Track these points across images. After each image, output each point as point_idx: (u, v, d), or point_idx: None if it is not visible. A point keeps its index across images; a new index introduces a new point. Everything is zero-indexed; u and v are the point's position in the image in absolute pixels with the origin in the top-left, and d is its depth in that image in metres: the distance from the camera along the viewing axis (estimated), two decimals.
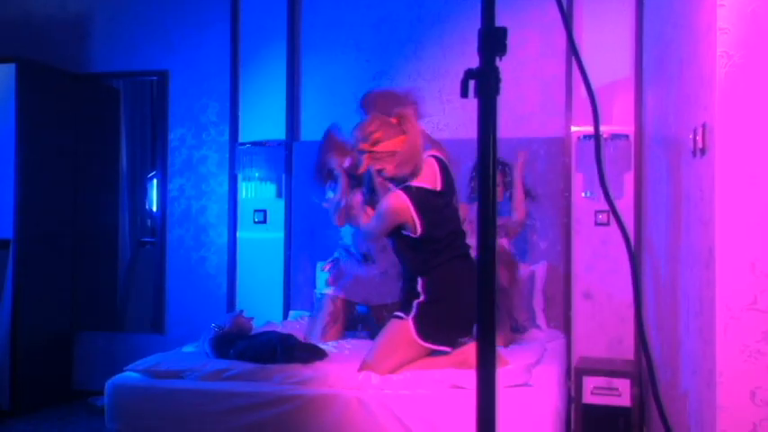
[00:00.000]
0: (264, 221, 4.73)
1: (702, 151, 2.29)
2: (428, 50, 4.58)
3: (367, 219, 3.27)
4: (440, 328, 3.00)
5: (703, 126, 2.28)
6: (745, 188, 2.08)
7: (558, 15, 4.47)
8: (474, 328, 3.08)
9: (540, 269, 4.33)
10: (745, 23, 2.08)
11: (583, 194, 4.36)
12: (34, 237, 4.58)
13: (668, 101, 3.25)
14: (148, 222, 5.23)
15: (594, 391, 3.92)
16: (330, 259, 3.87)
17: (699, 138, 2.31)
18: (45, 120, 4.71)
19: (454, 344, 3.02)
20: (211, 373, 2.89)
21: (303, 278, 4.61)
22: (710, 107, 2.19)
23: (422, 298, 3.02)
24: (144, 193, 5.22)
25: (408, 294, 3.09)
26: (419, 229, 3.02)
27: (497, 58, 1.21)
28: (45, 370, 4.68)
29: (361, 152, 3.12)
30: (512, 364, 2.88)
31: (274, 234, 4.69)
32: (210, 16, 4.84)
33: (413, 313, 3.00)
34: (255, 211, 4.75)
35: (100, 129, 5.18)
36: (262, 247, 4.73)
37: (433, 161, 3.11)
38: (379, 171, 3.15)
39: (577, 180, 4.38)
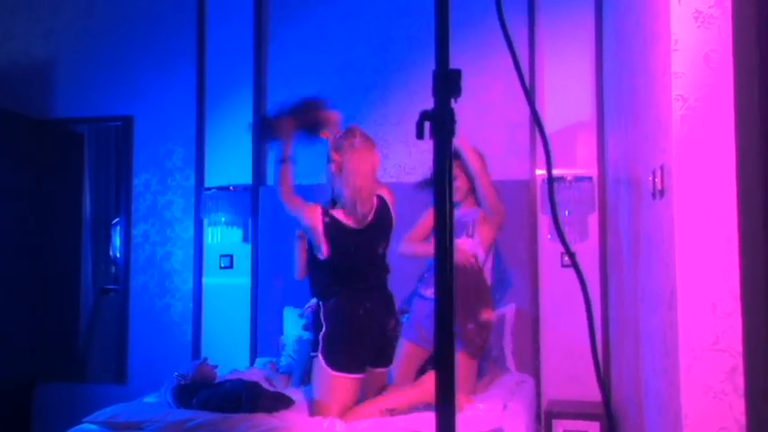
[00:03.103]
0: (231, 266, 4.68)
1: (662, 193, 2.32)
2: (394, 95, 4.62)
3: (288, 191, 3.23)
4: (343, 355, 3.05)
5: (661, 168, 2.31)
6: (703, 229, 2.10)
7: (524, 59, 4.56)
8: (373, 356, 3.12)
9: (508, 312, 4.32)
10: (698, 67, 2.12)
11: (548, 237, 4.38)
12: None
13: (628, 143, 3.30)
14: (112, 269, 5.14)
15: None
16: (308, 305, 3.82)
17: (657, 179, 2.34)
18: (5, 164, 4.64)
19: (362, 370, 3.08)
20: (173, 423, 2.82)
21: (270, 324, 4.55)
22: (668, 149, 2.22)
23: (324, 328, 3.10)
24: (108, 239, 5.14)
25: (316, 328, 3.17)
26: (325, 252, 3.11)
27: (454, 100, 1.22)
28: (2, 422, 4.53)
29: (331, 161, 3.24)
30: (483, 407, 2.86)
31: (241, 279, 4.64)
32: (176, 61, 4.84)
33: (320, 347, 3.08)
34: (221, 256, 4.70)
35: (63, 174, 5.12)
36: (228, 293, 4.67)
37: (375, 199, 3.21)
38: (333, 160, 3.24)
39: (543, 222, 4.40)
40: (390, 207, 3.27)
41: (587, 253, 4.32)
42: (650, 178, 2.48)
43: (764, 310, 2.00)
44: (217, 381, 3.15)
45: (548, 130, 4.47)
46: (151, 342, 4.76)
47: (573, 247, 4.35)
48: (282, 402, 2.95)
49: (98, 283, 5.22)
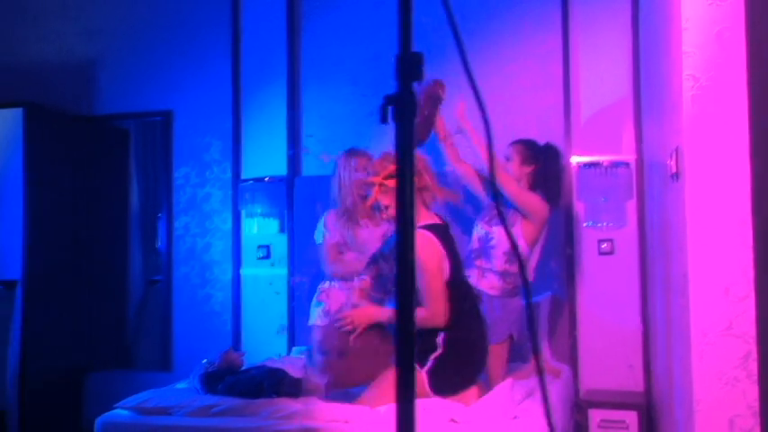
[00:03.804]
0: (268, 257, 4.75)
1: (677, 176, 2.27)
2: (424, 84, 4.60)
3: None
4: (453, 382, 2.97)
5: (676, 150, 2.26)
6: (717, 212, 2.05)
7: (556, 45, 4.49)
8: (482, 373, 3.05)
9: (543, 301, 4.27)
10: (710, 45, 2.07)
11: (585, 224, 4.32)
12: (42, 277, 4.64)
13: (655, 126, 3.23)
14: (158, 261, 5.28)
15: (601, 425, 3.84)
16: (319, 290, 3.82)
17: (673, 162, 2.29)
18: (52, 162, 4.80)
19: (459, 392, 2.99)
20: (199, 408, 2.89)
21: (307, 313, 4.59)
22: (680, 131, 2.16)
23: (440, 351, 2.96)
24: (155, 232, 5.27)
25: (424, 344, 2.99)
26: (447, 271, 2.96)
27: (415, 83, 1.22)
28: (55, 409, 4.70)
29: (372, 185, 3.12)
30: (498, 397, 2.84)
31: (278, 270, 4.70)
32: (212, 56, 4.92)
33: (428, 366, 2.95)
34: (259, 246, 4.77)
35: (109, 169, 5.27)
36: (266, 283, 4.74)
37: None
38: (386, 207, 3.14)
39: (579, 209, 4.34)
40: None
41: (625, 240, 4.25)
42: (668, 161, 2.42)
43: None
44: (243, 368, 3.21)
45: (583, 115, 4.44)
46: (194, 331, 4.87)
47: (610, 234, 4.31)
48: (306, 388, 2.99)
49: (146, 274, 5.36)
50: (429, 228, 2.98)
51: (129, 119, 5.21)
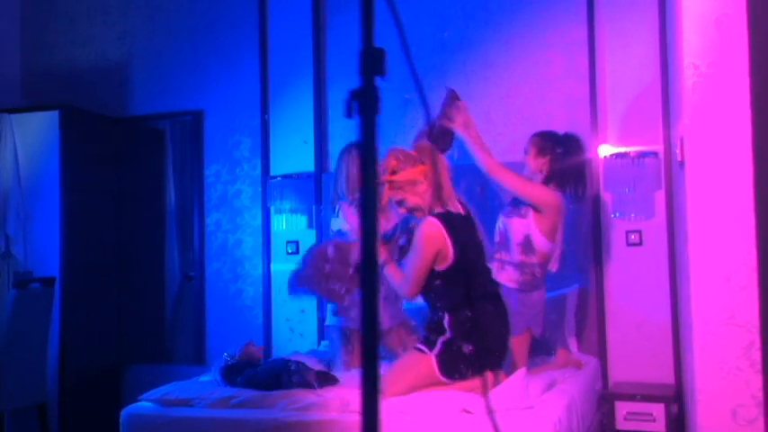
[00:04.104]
0: (297, 252, 4.81)
1: (682, 164, 2.25)
2: (451, 77, 4.59)
3: (397, 274, 3.14)
4: (466, 366, 2.98)
5: (681, 138, 2.23)
6: (719, 200, 2.02)
7: (582, 36, 4.45)
8: (501, 363, 3.05)
9: (571, 293, 4.25)
10: (709, 32, 2.04)
11: (613, 216, 4.28)
12: (80, 273, 4.78)
13: (674, 114, 3.19)
14: (195, 257, 5.39)
15: (628, 417, 3.81)
16: None
17: (679, 150, 2.26)
18: (89, 162, 4.94)
19: (469, 378, 2.99)
20: (219, 400, 2.96)
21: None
22: (683, 118, 2.14)
23: (448, 335, 3.00)
24: (191, 229, 5.38)
25: (432, 329, 3.07)
26: (451, 257, 3.00)
27: (377, 78, 1.24)
28: (93, 402, 4.85)
29: (381, 184, 3.15)
30: (512, 387, 2.84)
31: None
32: (240, 55, 5.00)
33: (437, 350, 2.99)
34: (288, 242, 4.84)
35: (145, 168, 5.40)
36: None
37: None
38: (400, 202, 3.18)
39: (606, 200, 4.30)
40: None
41: (654, 231, 4.19)
42: (676, 149, 2.40)
43: None
44: (262, 360, 3.27)
45: (609, 106, 4.38)
46: (226, 325, 4.97)
47: (639, 225, 4.26)
48: (323, 380, 3.03)
49: (183, 270, 5.48)
50: (439, 215, 3.05)
51: (162, 119, 5.32)
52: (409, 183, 3.11)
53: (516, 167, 3.75)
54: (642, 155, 4.14)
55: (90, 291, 4.89)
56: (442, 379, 2.96)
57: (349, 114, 1.25)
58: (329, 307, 3.77)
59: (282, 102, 4.91)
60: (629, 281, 4.23)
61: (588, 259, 4.28)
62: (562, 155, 3.69)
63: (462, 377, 2.95)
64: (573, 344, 4.14)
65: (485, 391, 2.82)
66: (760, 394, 1.93)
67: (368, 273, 1.21)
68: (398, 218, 3.43)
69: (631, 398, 3.80)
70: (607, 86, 4.32)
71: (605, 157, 4.26)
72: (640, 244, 4.23)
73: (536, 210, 3.59)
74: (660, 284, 4.16)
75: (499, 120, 4.49)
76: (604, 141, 4.28)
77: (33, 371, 4.30)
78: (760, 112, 1.96)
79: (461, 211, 3.15)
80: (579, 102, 4.35)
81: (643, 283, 4.21)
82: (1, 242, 4.72)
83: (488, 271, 3.23)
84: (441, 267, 3.02)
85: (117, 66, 5.27)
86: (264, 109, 4.91)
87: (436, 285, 3.09)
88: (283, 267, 4.83)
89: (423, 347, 3.04)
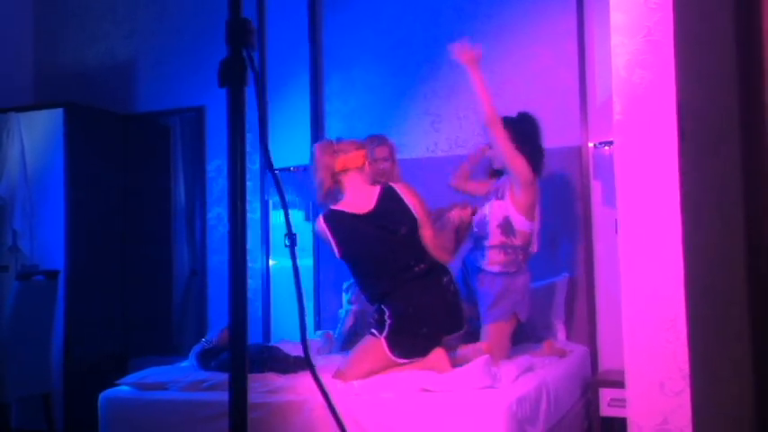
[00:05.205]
0: (295, 246, 4.88)
1: None
2: (443, 69, 4.63)
3: None
4: (412, 343, 3.11)
5: None
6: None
7: (571, 26, 4.44)
8: (442, 339, 3.14)
9: (560, 281, 4.25)
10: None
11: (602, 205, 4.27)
12: (85, 267, 4.92)
13: None
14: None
15: (612, 403, 3.80)
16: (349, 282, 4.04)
17: None
18: (94, 157, 5.07)
19: (426, 354, 3.07)
20: (191, 383, 3.04)
21: (332, 298, 4.71)
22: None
23: (390, 318, 3.15)
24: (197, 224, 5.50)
25: (379, 313, 3.23)
26: (336, 251, 3.31)
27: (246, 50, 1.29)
28: (98, 392, 4.95)
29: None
30: (472, 368, 2.87)
31: (303, 256, 4.82)
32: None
33: (385, 332, 3.13)
34: (285, 235, 4.91)
35: (151, 164, 5.53)
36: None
37: (377, 189, 3.37)
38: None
39: (596, 189, 4.29)
40: (398, 194, 3.40)
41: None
42: None
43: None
44: None
45: (598, 95, 4.36)
46: (227, 318, 5.05)
47: None
48: (294, 365, 3.09)
49: (191, 264, 5.60)
50: (325, 214, 3.38)
51: (168, 116, 5.45)
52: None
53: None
54: None
55: (95, 284, 5.03)
56: (396, 359, 3.06)
57: (222, 84, 1.30)
58: (345, 297, 4.05)
59: (280, 97, 5.00)
60: (620, 270, 4.20)
61: (578, 249, 4.28)
62: (520, 133, 3.66)
63: (415, 354, 3.06)
64: (561, 332, 4.15)
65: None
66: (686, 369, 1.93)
67: (236, 249, 1.27)
68: None
69: (616, 384, 3.79)
70: (596, 76, 4.31)
71: (594, 145, 4.26)
72: None
73: (512, 183, 3.60)
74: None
75: None
76: (594, 130, 4.28)
77: (38, 361, 4.43)
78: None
79: (359, 210, 3.32)
80: (568, 91, 4.35)
81: None
82: (8, 236, 4.87)
83: (413, 258, 3.30)
84: (337, 256, 3.35)
85: (124, 63, 5.42)
86: (262, 104, 4.99)
87: (362, 281, 3.40)
88: (282, 260, 4.93)
89: (375, 331, 3.16)
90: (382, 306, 3.19)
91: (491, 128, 3.53)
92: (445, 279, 3.29)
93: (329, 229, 3.30)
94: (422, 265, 3.24)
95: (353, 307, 4.11)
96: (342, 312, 4.25)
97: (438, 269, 3.29)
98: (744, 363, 1.92)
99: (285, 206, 1.36)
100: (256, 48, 1.36)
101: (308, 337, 4.31)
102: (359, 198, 3.33)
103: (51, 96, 5.41)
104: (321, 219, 3.36)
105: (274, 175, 1.45)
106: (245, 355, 1.27)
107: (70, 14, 5.62)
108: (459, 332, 3.30)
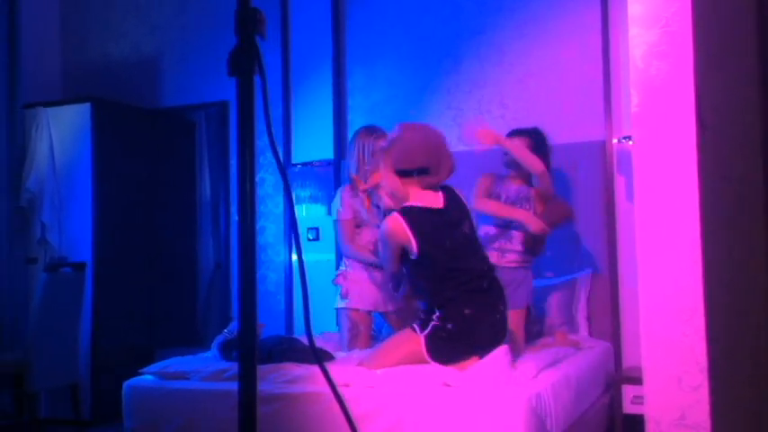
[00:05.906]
0: (317, 239, 4.91)
1: None
2: (466, 63, 4.64)
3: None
4: (450, 351, 3.03)
5: None
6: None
7: (596, 19, 4.42)
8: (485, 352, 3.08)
9: (583, 277, 4.23)
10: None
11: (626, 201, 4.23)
12: (111, 260, 4.99)
13: None
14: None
15: (634, 401, 3.77)
16: (339, 272, 3.95)
17: None
18: (120, 152, 5.14)
19: (459, 362, 3.01)
20: (212, 373, 3.07)
21: None
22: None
23: (438, 321, 3.05)
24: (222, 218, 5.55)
25: (427, 313, 3.13)
26: (415, 248, 3.07)
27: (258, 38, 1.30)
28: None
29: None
30: (492, 362, 2.87)
31: (326, 250, 4.83)
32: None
33: (427, 331, 3.05)
34: (309, 228, 4.94)
35: (176, 158, 5.59)
36: (315, 264, 4.88)
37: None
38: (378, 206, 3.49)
39: (620, 184, 4.26)
40: (457, 193, 3.36)
41: None
42: None
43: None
44: (260, 337, 3.37)
45: (623, 89, 4.33)
46: None
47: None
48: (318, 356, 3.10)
49: (216, 257, 5.66)
50: (402, 210, 3.14)
51: (192, 110, 5.50)
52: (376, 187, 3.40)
53: None
54: None
55: (121, 276, 5.10)
56: (429, 360, 3.00)
57: (231, 73, 1.32)
58: (338, 290, 3.86)
59: (303, 92, 5.03)
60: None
61: (602, 244, 4.25)
62: (546, 148, 3.84)
63: (448, 361, 2.98)
64: (584, 328, 4.13)
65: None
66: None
67: (246, 239, 1.28)
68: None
69: (639, 381, 3.75)
70: (620, 70, 4.27)
71: (618, 140, 4.23)
72: None
73: (541, 195, 3.74)
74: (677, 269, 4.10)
75: (513, 105, 4.51)
76: (617, 125, 4.25)
77: (65, 352, 4.51)
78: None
79: (434, 205, 3.18)
80: (592, 85, 4.32)
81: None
82: (37, 229, 4.96)
83: (480, 263, 3.21)
84: (412, 258, 3.11)
85: (149, 59, 5.48)
86: (286, 98, 5.03)
87: (422, 282, 3.20)
88: (304, 253, 4.94)
89: (416, 327, 3.10)
90: (435, 307, 3.08)
91: (541, 177, 3.67)
92: (502, 298, 3.20)
93: (408, 224, 3.08)
94: (490, 275, 3.17)
95: (344, 304, 3.86)
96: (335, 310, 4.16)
97: (498, 285, 3.20)
98: (762, 356, 1.90)
99: (290, 202, 1.36)
100: (267, 38, 1.35)
101: (326, 330, 4.37)
102: (427, 196, 3.19)
103: (78, 92, 5.49)
104: (396, 215, 3.11)
105: (281, 169, 1.44)
106: (254, 349, 1.27)
107: (95, 12, 5.70)
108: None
